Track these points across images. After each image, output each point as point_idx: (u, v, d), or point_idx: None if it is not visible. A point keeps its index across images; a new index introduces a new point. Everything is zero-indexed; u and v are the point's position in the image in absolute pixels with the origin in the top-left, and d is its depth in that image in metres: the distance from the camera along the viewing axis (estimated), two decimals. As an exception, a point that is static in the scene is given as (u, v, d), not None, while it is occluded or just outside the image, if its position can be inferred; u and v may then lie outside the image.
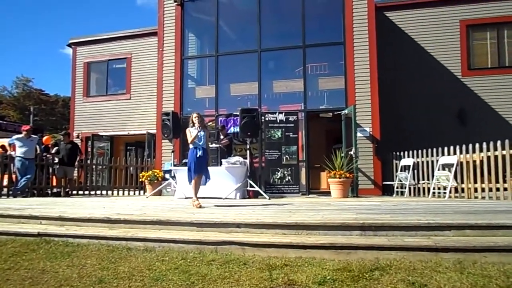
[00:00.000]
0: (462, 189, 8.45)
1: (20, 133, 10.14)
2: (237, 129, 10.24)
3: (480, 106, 12.35)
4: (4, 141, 11.69)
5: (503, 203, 6.86)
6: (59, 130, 11.23)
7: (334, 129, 11.84)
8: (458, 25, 12.92)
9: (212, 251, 3.92)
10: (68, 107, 28.45)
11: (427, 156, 9.41)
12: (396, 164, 10.40)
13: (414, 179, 9.69)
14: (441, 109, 12.45)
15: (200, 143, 6.44)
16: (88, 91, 16.82)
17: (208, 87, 12.46)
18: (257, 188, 8.85)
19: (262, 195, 8.71)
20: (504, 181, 7.52)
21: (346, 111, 10.39)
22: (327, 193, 9.65)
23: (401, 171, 10.06)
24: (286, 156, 9.96)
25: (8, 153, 10.39)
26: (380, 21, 11.86)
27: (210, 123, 11.16)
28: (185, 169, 8.64)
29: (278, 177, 9.88)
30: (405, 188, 9.82)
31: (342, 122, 10.61)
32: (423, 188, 9.48)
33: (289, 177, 9.88)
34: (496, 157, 7.68)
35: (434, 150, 9.20)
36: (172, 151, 10.37)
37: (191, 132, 6.48)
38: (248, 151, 9.30)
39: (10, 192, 9.82)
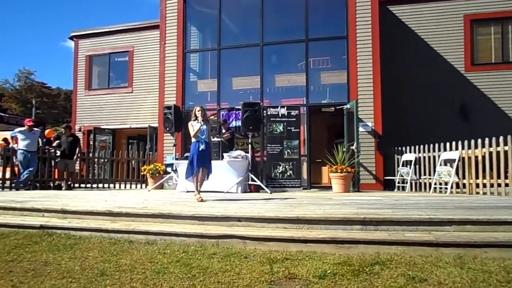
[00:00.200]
0: (464, 185, 8.43)
1: (23, 126, 10.16)
2: (239, 123, 10.24)
3: (483, 102, 12.30)
4: (7, 134, 11.73)
5: (505, 198, 6.86)
6: (61, 123, 11.28)
7: (336, 124, 11.82)
8: (462, 20, 12.83)
9: (214, 244, 3.95)
10: (70, 100, 28.49)
11: (429, 151, 9.40)
12: (398, 159, 10.39)
13: (415, 174, 9.68)
14: (444, 104, 12.40)
15: (203, 137, 6.44)
16: (90, 84, 16.82)
17: (210, 80, 12.44)
18: (258, 182, 8.86)
19: (263, 189, 8.72)
20: (506, 177, 7.50)
21: (348, 106, 10.38)
22: (329, 188, 9.66)
23: (402, 166, 10.05)
24: (288, 150, 9.95)
25: (10, 146, 10.44)
26: (384, 15, 11.77)
27: (212, 117, 11.16)
28: (186, 163, 8.67)
29: (279, 171, 9.89)
30: (407, 183, 9.81)
31: (344, 116, 10.60)
32: (425, 183, 9.47)
33: (291, 172, 9.88)
34: (498, 152, 7.66)
35: (436, 145, 9.19)
36: (174, 145, 10.39)
37: (194, 126, 6.48)
38: (250, 145, 9.30)
39: (13, 185, 9.86)
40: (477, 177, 8.14)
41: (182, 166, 9.08)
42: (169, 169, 10.54)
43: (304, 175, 10.48)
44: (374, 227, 4.04)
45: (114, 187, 11.65)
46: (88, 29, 17.11)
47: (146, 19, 17.99)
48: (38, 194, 7.88)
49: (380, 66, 10.46)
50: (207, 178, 6.66)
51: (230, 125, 10.81)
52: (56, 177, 10.83)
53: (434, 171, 8.96)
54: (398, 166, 10.28)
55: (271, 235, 3.94)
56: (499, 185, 7.65)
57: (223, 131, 10.19)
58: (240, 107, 9.53)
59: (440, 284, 2.79)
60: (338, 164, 8.94)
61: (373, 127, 10.33)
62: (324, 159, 9.52)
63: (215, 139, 9.51)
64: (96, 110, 16.52)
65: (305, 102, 10.97)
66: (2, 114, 17.34)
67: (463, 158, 8.43)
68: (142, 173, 11.26)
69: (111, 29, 16.65)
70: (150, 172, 10.47)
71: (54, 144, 10.81)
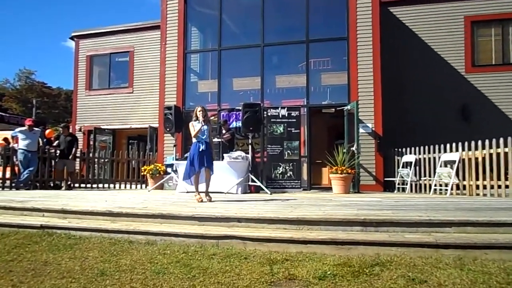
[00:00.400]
0: (464, 186, 8.43)
1: (23, 125, 10.16)
2: (239, 123, 10.24)
3: (483, 103, 12.30)
4: (7, 134, 11.74)
5: (505, 200, 6.86)
6: (62, 123, 11.21)
7: (337, 125, 11.82)
8: (462, 21, 12.84)
9: (213, 245, 3.95)
10: (70, 100, 28.52)
11: (429, 152, 9.40)
12: (398, 160, 10.39)
13: (415, 175, 9.68)
14: (444, 105, 12.40)
15: (203, 137, 6.43)
16: (90, 84, 16.83)
17: (211, 81, 12.45)
18: (258, 183, 8.86)
19: (263, 190, 8.72)
20: (506, 179, 7.51)
21: (348, 107, 10.38)
22: (329, 189, 9.66)
23: (403, 167, 10.05)
24: (288, 151, 9.95)
25: (11, 145, 10.45)
26: (384, 16, 11.78)
27: (212, 117, 11.16)
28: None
29: (279, 172, 9.89)
30: (407, 184, 9.81)
31: (344, 117, 10.60)
32: (425, 185, 9.47)
33: (291, 172, 9.88)
34: (498, 154, 7.66)
35: (436, 146, 9.19)
36: (174, 145, 10.39)
37: (195, 126, 6.47)
38: (250, 146, 9.31)
39: (13, 185, 9.87)
40: (477, 179, 8.15)
41: (182, 166, 9.06)
42: (169, 170, 10.54)
43: (304, 176, 10.48)
44: (374, 228, 4.04)
45: (114, 187, 11.66)
46: (89, 29, 17.13)
47: (146, 19, 17.99)
48: (38, 194, 7.88)
49: (381, 67, 10.46)
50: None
51: (231, 126, 10.81)
52: (55, 177, 10.83)
53: (434, 172, 8.97)
54: (398, 167, 10.29)
55: (271, 236, 3.94)
56: (499, 186, 7.66)
57: (224, 131, 10.20)
58: (240, 108, 9.53)
59: (440, 285, 2.79)
60: (338, 165, 8.94)
61: (373, 128, 10.33)
62: (324, 160, 9.52)
63: (216, 139, 9.51)
64: (96, 110, 16.53)
65: (305, 103, 10.97)
66: (3, 114, 17.36)
67: (463, 160, 8.43)
68: (142, 174, 11.27)
69: (112, 29, 16.67)
70: (150, 172, 10.48)
71: (54, 144, 10.81)
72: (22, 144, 9.67)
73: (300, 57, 11.31)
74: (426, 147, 9.47)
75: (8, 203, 5.78)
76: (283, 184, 9.81)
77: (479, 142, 8.07)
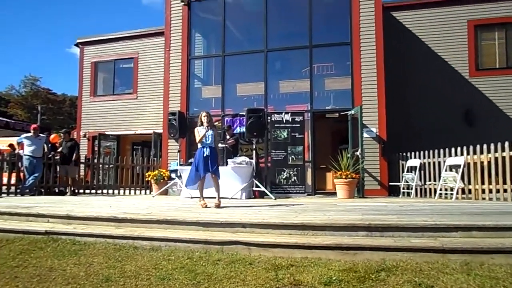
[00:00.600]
0: (470, 190, 8.39)
1: (29, 131, 10.22)
2: (243, 129, 10.25)
3: (488, 107, 12.26)
4: (13, 140, 11.80)
5: (511, 204, 6.81)
6: (64, 129, 11.26)
7: (341, 130, 11.81)
8: (466, 25, 12.83)
9: (218, 250, 3.93)
10: (75, 106, 28.64)
11: (433, 157, 9.36)
12: (403, 164, 10.35)
13: (420, 180, 9.64)
14: (448, 109, 12.36)
15: (208, 142, 6.43)
16: (95, 90, 16.91)
17: (215, 87, 12.48)
18: (263, 188, 8.85)
19: (268, 195, 8.71)
20: (512, 183, 7.47)
21: (352, 112, 10.37)
22: (333, 194, 9.63)
23: (407, 171, 10.01)
24: (292, 156, 9.95)
25: (16, 151, 10.50)
26: (388, 21, 11.81)
27: (216, 123, 11.17)
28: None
29: (284, 177, 9.88)
30: (412, 189, 9.77)
31: (348, 122, 10.58)
32: (430, 189, 9.43)
33: (295, 178, 9.87)
34: (503, 158, 7.62)
35: (441, 151, 9.15)
36: (178, 151, 10.41)
37: (199, 132, 6.48)
38: (254, 151, 9.31)
39: (18, 190, 9.91)
40: (482, 183, 8.10)
41: (187, 172, 9.06)
42: (173, 175, 10.56)
43: (309, 181, 10.46)
44: (379, 233, 4.02)
45: (119, 193, 11.68)
46: (94, 36, 17.24)
47: (151, 23, 18.10)
48: (43, 200, 7.90)
49: (384, 72, 10.46)
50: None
51: (235, 131, 10.82)
52: (60, 183, 10.87)
53: (439, 176, 8.92)
54: (403, 171, 10.25)
55: (276, 241, 3.93)
56: (505, 190, 7.61)
57: (227, 137, 10.20)
58: (244, 113, 9.55)
59: (446, 291, 2.77)
60: (343, 170, 8.91)
61: (377, 133, 10.31)
62: (329, 165, 9.49)
63: (220, 145, 9.53)
64: (101, 116, 16.59)
65: (309, 108, 10.97)
66: (8, 120, 17.46)
67: (468, 164, 8.39)
68: (146, 179, 11.29)
69: (116, 36, 16.78)
70: (155, 178, 10.49)
71: (59, 150, 10.85)
72: (27, 150, 9.71)
73: (303, 62, 11.33)
74: (431, 151, 9.43)
75: (14, 209, 5.79)
76: (287, 189, 9.79)
77: (484, 146, 8.04)
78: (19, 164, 10.14)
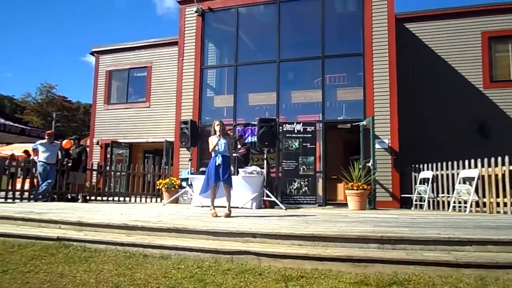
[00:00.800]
0: (484, 204, 8.24)
1: (43, 138, 10.37)
2: (254, 138, 10.26)
3: (502, 119, 12.08)
4: (28, 146, 11.99)
5: (527, 219, 6.67)
6: (75, 136, 11.38)
7: (352, 140, 11.73)
8: (479, 37, 12.72)
9: (228, 260, 3.92)
10: (89, 114, 29.03)
11: (447, 169, 9.24)
12: (415, 176, 10.23)
13: (433, 192, 9.51)
14: (463, 121, 12.19)
15: (221, 150, 6.43)
16: (109, 98, 17.13)
17: (227, 96, 12.55)
18: (273, 198, 8.82)
19: (278, 205, 8.67)
20: (528, 197, 7.32)
21: (364, 122, 10.31)
22: (344, 205, 9.55)
23: (420, 183, 9.88)
24: (303, 166, 9.91)
25: (31, 158, 10.65)
26: (400, 32, 11.77)
27: (228, 132, 11.20)
28: (202, 177, 8.66)
29: (294, 187, 9.83)
30: (424, 201, 9.64)
31: (360, 133, 10.52)
32: (443, 202, 9.29)
33: (306, 188, 9.82)
34: (519, 171, 7.49)
35: (455, 163, 9.03)
36: (190, 160, 10.44)
37: (212, 141, 6.50)
38: (265, 161, 9.30)
39: (31, 196, 10.03)
40: (497, 196, 7.96)
41: (197, 180, 9.11)
42: (184, 184, 10.58)
43: (320, 191, 10.39)
44: (391, 245, 3.96)
45: (130, 200, 11.74)
46: (109, 45, 17.53)
47: (165, 33, 18.34)
48: (55, 206, 7.98)
49: (397, 83, 10.40)
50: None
51: (246, 141, 10.83)
52: (72, 189, 10.98)
53: (453, 189, 8.79)
54: (415, 183, 10.12)
55: (286, 252, 3.90)
56: (520, 204, 7.46)
57: (239, 146, 10.22)
58: (256, 123, 9.55)
59: (460, 306, 2.71)
60: (354, 181, 8.84)
61: (389, 144, 10.22)
62: (340, 176, 9.43)
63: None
64: (114, 124, 16.77)
65: (321, 119, 10.93)
66: (24, 127, 17.76)
67: (483, 176, 8.25)
68: (157, 187, 11.32)
69: (130, 45, 17.03)
70: (166, 186, 10.53)
71: (72, 157, 10.97)
72: (42, 156, 9.85)
73: (315, 73, 11.33)
74: (444, 163, 9.31)
75: (27, 214, 5.86)
76: (298, 199, 9.74)
77: (499, 158, 7.91)
78: (33, 170, 10.29)
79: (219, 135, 6.45)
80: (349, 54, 11.41)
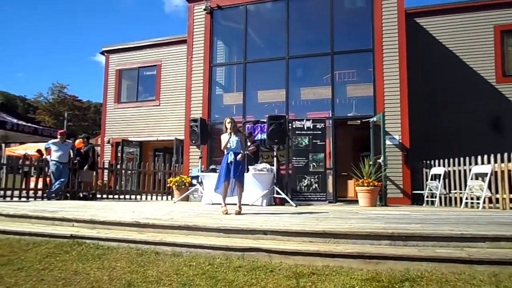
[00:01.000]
0: (497, 200, 8.14)
1: (56, 137, 10.49)
2: (264, 136, 10.26)
3: (515, 114, 11.90)
4: (41, 146, 12.14)
5: (541, 215, 6.57)
6: (92, 136, 11.50)
7: (362, 137, 11.67)
8: (492, 31, 12.53)
9: (239, 257, 3.93)
10: (99, 113, 29.30)
11: (459, 165, 9.14)
12: (427, 172, 10.14)
13: (445, 188, 9.42)
14: (475, 116, 12.02)
15: (233, 148, 6.45)
16: (119, 97, 17.28)
17: (236, 94, 12.56)
18: (283, 196, 8.81)
19: (288, 202, 8.67)
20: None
21: (374, 119, 10.24)
22: (355, 202, 9.51)
23: (431, 180, 9.79)
24: (313, 163, 9.88)
25: (44, 157, 10.79)
26: (410, 27, 11.64)
27: (240, 129, 11.23)
28: (212, 175, 8.71)
29: (305, 184, 9.81)
30: (436, 197, 9.55)
31: (370, 129, 10.46)
32: (455, 198, 9.20)
33: (316, 185, 9.79)
34: (533, 167, 7.38)
35: (467, 158, 8.93)
36: (200, 157, 10.49)
37: (224, 139, 6.52)
38: (275, 158, 9.30)
39: (45, 195, 10.17)
40: (510, 192, 7.86)
41: (208, 178, 9.15)
42: (194, 181, 10.63)
43: (330, 188, 10.35)
44: (403, 242, 3.94)
45: (141, 198, 11.83)
46: (118, 44, 17.66)
47: (174, 31, 18.42)
48: (68, 204, 8.07)
49: (408, 78, 10.30)
50: (232, 194, 6.59)
51: (256, 138, 10.84)
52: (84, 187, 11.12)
53: (465, 185, 8.70)
54: (426, 180, 10.03)
55: (297, 249, 3.90)
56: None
57: (249, 143, 10.23)
58: (265, 120, 9.56)
59: (474, 303, 2.69)
60: (365, 178, 8.80)
61: (400, 140, 10.14)
62: (350, 173, 9.40)
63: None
64: (124, 122, 16.92)
65: (330, 115, 10.89)
66: (37, 127, 17.95)
67: (496, 172, 8.15)
68: (168, 185, 11.39)
69: (140, 44, 17.14)
70: (176, 184, 10.58)
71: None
72: (54, 155, 9.97)
73: (325, 69, 11.28)
74: (456, 159, 9.22)
75: (41, 213, 5.94)
76: (308, 196, 9.72)
77: (512, 154, 7.80)
78: (46, 169, 10.43)
79: (230, 133, 6.46)
80: (359, 50, 11.32)
